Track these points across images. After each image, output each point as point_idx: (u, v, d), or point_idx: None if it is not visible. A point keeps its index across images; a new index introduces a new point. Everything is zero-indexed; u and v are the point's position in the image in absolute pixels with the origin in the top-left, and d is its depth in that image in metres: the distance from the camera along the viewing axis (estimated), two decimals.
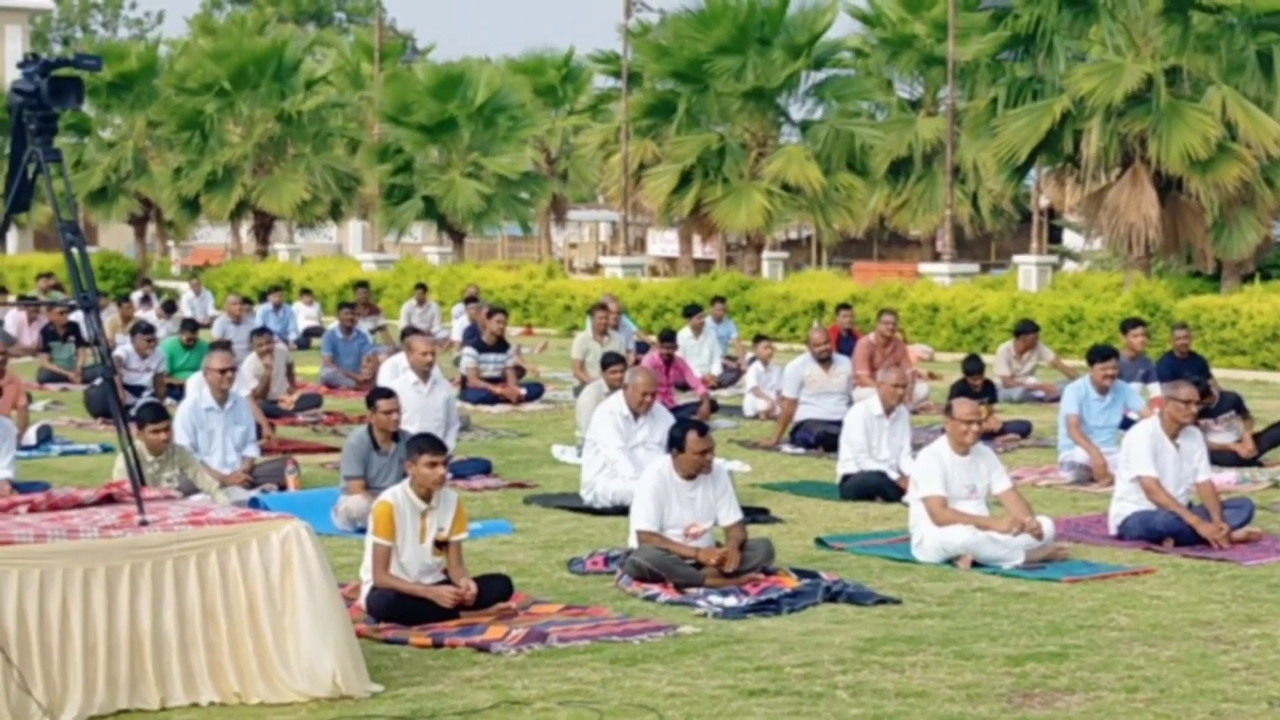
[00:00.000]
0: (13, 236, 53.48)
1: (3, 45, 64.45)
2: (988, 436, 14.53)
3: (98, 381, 20.66)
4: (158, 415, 12.54)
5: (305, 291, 35.93)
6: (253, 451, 14.67)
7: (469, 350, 21.96)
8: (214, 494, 12.35)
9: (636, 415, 13.89)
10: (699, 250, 49.94)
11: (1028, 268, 35.06)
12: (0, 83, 57.14)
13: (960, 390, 16.80)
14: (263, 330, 20.86)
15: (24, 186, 8.85)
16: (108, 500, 8.89)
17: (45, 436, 17.44)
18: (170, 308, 30.26)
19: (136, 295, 33.15)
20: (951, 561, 11.51)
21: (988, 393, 18.30)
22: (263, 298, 33.53)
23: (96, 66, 9.06)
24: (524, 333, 34.77)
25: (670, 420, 13.00)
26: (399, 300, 34.90)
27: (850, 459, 14.60)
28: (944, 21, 37.30)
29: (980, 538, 11.47)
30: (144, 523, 8.23)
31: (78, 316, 25.51)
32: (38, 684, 7.73)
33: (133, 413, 13.87)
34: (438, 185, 43.74)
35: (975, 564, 11.42)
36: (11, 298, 34.62)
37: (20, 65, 8.85)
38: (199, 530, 8.27)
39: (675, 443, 10.99)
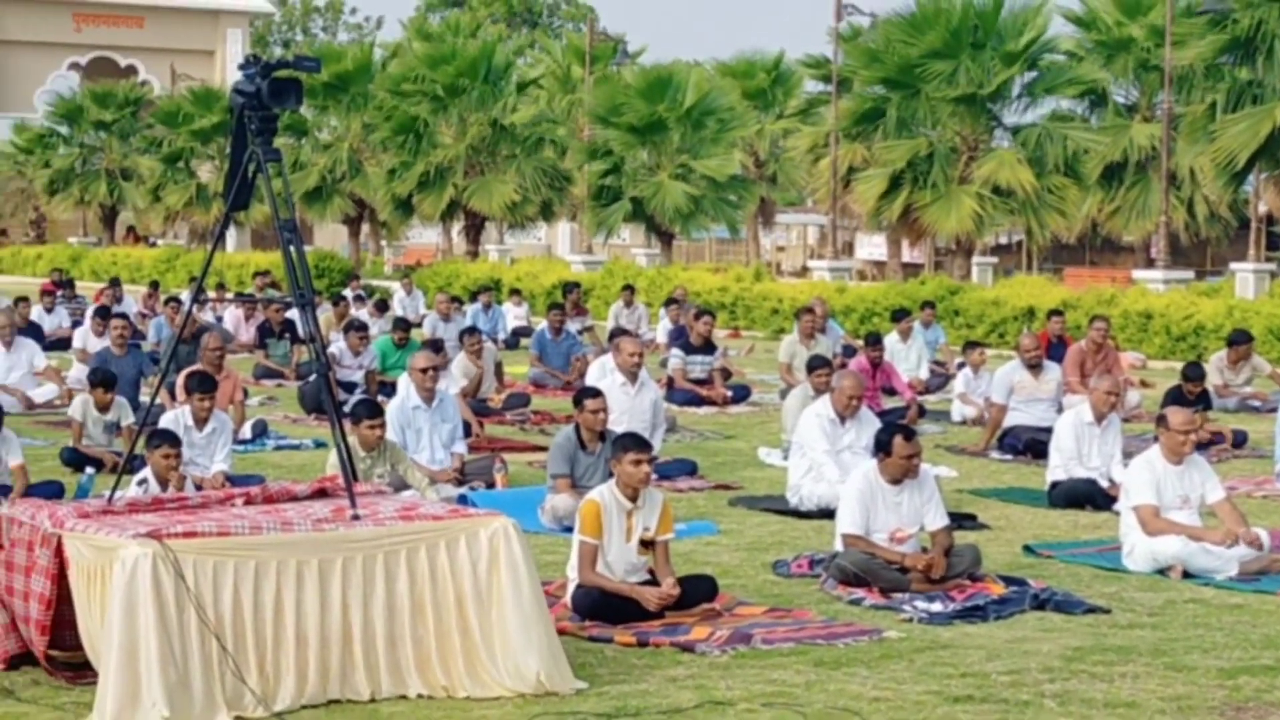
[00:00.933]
0: (231, 235, 54.63)
1: (225, 48, 65.90)
2: (1200, 446, 14.26)
3: (312, 378, 21.05)
4: (373, 411, 12.72)
5: (515, 292, 36.27)
6: (461, 449, 14.85)
7: (676, 351, 22.04)
8: (423, 491, 12.50)
9: (843, 419, 13.83)
10: (907, 254, 49.60)
11: (1245, 275, 34.33)
12: (222, 84, 58.53)
13: (1175, 398, 16.51)
14: (473, 330, 21.09)
15: (244, 186, 9.04)
16: (321, 494, 9.05)
17: (260, 431, 17.80)
18: (383, 306, 30.71)
19: (349, 294, 33.68)
20: (1163, 572, 11.32)
21: (1202, 401, 17.97)
22: (473, 297, 33.91)
23: (315, 68, 9.23)
24: (730, 335, 34.77)
25: (876, 424, 12.92)
26: (607, 301, 35.09)
27: (1060, 466, 14.41)
28: (1161, 26, 36.67)
29: (1193, 548, 11.26)
30: (356, 517, 8.37)
31: (293, 314, 26.02)
32: (252, 673, 7.90)
33: (346, 409, 14.12)
34: (646, 187, 43.92)
35: (1187, 575, 11.22)
36: (230, 295, 35.37)
37: (241, 67, 9.04)
38: (409, 525, 8.39)
39: (882, 447, 10.93)
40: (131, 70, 64.25)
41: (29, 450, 14.60)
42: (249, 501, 8.84)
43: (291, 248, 8.88)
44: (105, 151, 58.00)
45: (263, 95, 8.83)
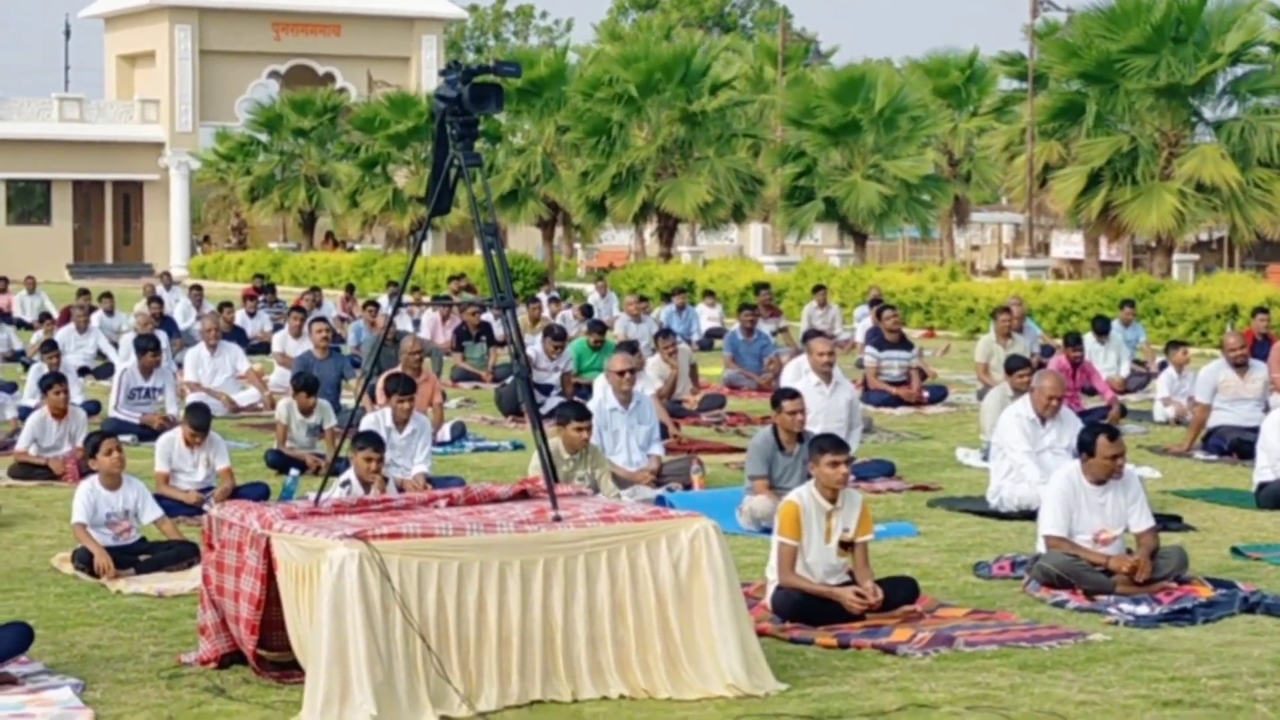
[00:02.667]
0: (427, 239, 55.29)
1: (419, 54, 66.61)
2: None
3: (509, 380, 21.22)
4: (581, 414, 12.78)
5: (708, 293, 36.29)
6: (659, 450, 14.89)
7: (870, 349, 21.94)
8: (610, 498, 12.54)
9: (1043, 419, 13.66)
10: (1105, 252, 48.88)
11: None
12: (417, 89, 59.19)
13: None
14: (667, 332, 21.12)
15: (445, 190, 9.13)
16: (522, 496, 9.11)
17: (459, 433, 17.97)
18: (588, 311, 30.86)
19: (543, 296, 33.89)
20: None
21: None
22: (665, 299, 33.98)
23: (515, 73, 9.30)
24: (926, 335, 34.50)
25: (1078, 424, 12.75)
26: (800, 302, 34.97)
27: (1268, 466, 14.12)
28: None
29: None
30: (558, 519, 8.41)
31: (488, 317, 26.26)
32: (455, 672, 7.98)
33: (543, 410, 14.21)
34: (839, 187, 43.73)
35: None
36: (426, 298, 35.75)
37: (443, 73, 9.13)
38: (610, 527, 8.42)
39: (1085, 447, 10.77)
40: (329, 78, 65.16)
41: (234, 453, 14.87)
42: (452, 503, 8.92)
43: (493, 251, 8.96)
44: (304, 158, 58.93)
45: (464, 100, 8.92)
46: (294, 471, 14.42)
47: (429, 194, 9.26)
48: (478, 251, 58.14)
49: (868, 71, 45.56)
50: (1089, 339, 22.42)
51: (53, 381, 15.80)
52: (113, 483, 11.53)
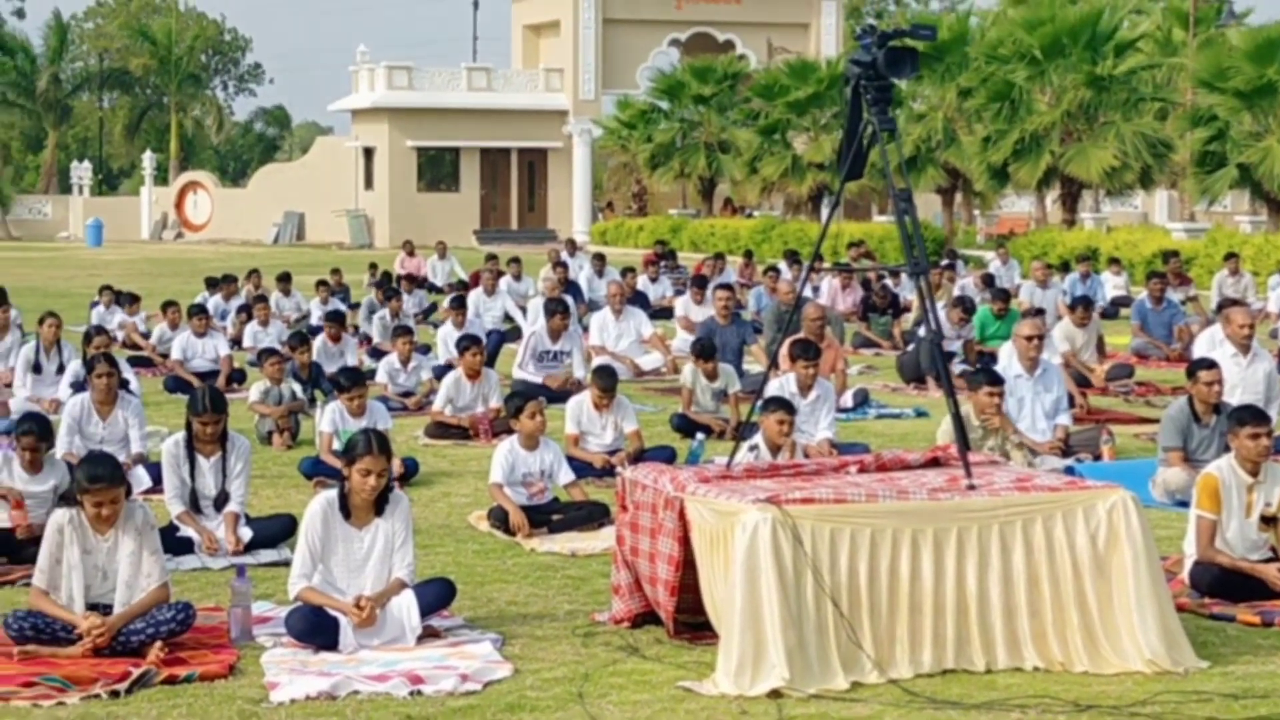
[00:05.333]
0: (825, 205, 55.23)
1: (819, 21, 66.50)
2: None
3: (910, 347, 21.08)
4: (994, 379, 12.63)
5: (1113, 261, 35.49)
6: (1065, 420, 14.63)
7: None
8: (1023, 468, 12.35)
9: None
10: None
11: None
12: (816, 56, 59.12)
13: None
14: (1086, 301, 20.50)
15: (858, 156, 9.08)
16: (934, 463, 9.04)
17: (862, 400, 17.92)
18: (989, 280, 30.46)
19: (944, 264, 33.56)
20: None
21: None
22: (1064, 268, 33.32)
23: (931, 36, 9.23)
24: None
25: None
26: (1209, 270, 33.92)
27: None
28: None
29: None
30: (971, 487, 8.32)
31: (890, 285, 26.14)
32: (867, 640, 7.96)
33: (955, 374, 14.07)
34: (1253, 152, 42.23)
35: None
36: (826, 265, 35.69)
37: (858, 37, 9.08)
38: (1025, 496, 8.29)
39: None
40: (729, 45, 65.45)
41: (639, 416, 15.06)
42: (863, 469, 8.90)
43: (906, 217, 8.89)
44: (704, 125, 59.36)
45: (879, 65, 8.85)
46: (700, 436, 14.56)
47: (840, 159, 9.22)
48: (876, 218, 57.99)
49: None
50: None
51: (469, 344, 16.25)
52: (531, 444, 11.79)
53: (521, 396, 12.08)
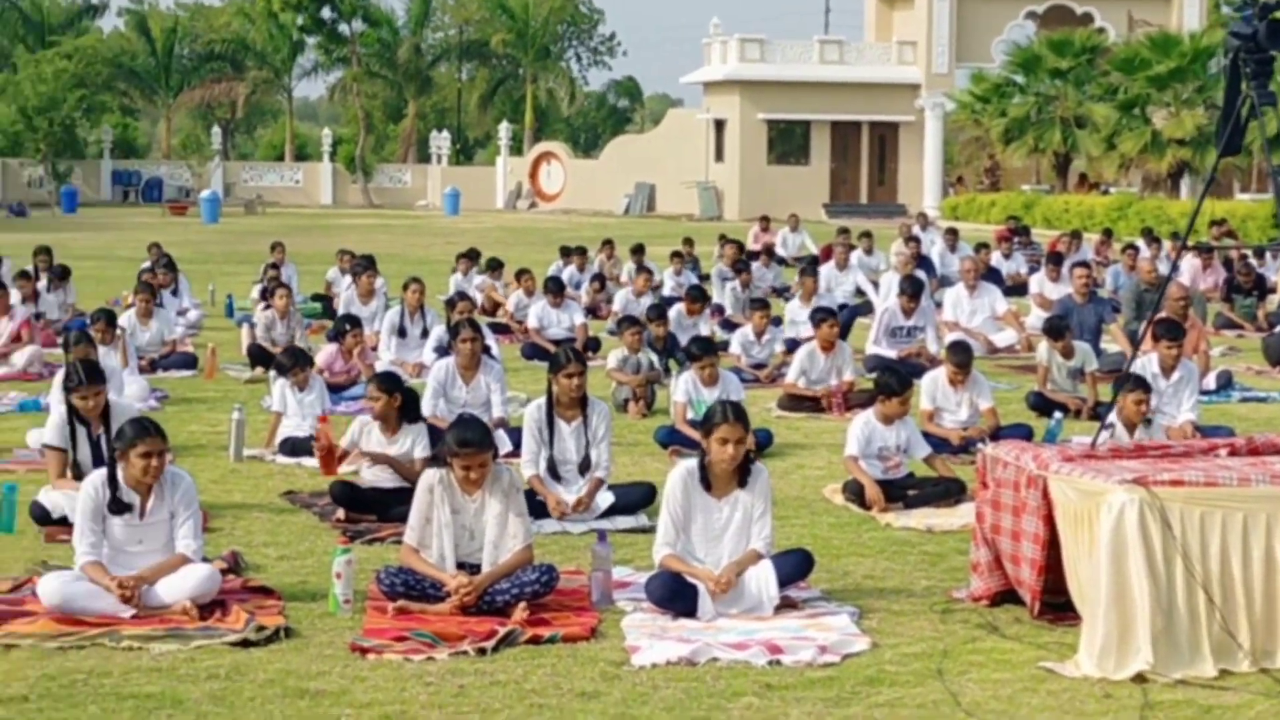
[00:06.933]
0: (1185, 183, 53.89)
1: None
2: None
3: (1277, 329, 20.47)
4: None
5: None
6: None
7: None
8: None
9: None
10: None
11: None
12: (1178, 29, 57.61)
13: None
14: None
15: (1236, 130, 8.84)
16: None
17: (1225, 382, 17.48)
18: None
19: None
20: None
21: None
22: None
23: None
24: None
25: None
26: None
27: None
28: None
29: None
30: None
31: (1255, 264, 25.39)
32: (1240, 627, 7.75)
33: None
34: None
35: None
36: (1191, 242, 34.75)
37: (1238, 9, 8.85)
38: None
39: None
40: (1088, 18, 64.18)
41: (994, 393, 14.88)
42: (1233, 452, 8.67)
43: None
44: (1060, 99, 58.30)
45: (1259, 38, 8.61)
46: (1057, 414, 14.35)
47: (1218, 134, 8.99)
48: (1239, 195, 56.26)
49: None
50: None
51: (824, 316, 16.25)
52: (888, 420, 11.74)
53: (892, 373, 11.99)
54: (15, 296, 20.20)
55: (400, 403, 11.21)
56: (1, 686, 7.38)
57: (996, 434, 13.29)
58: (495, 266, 26.41)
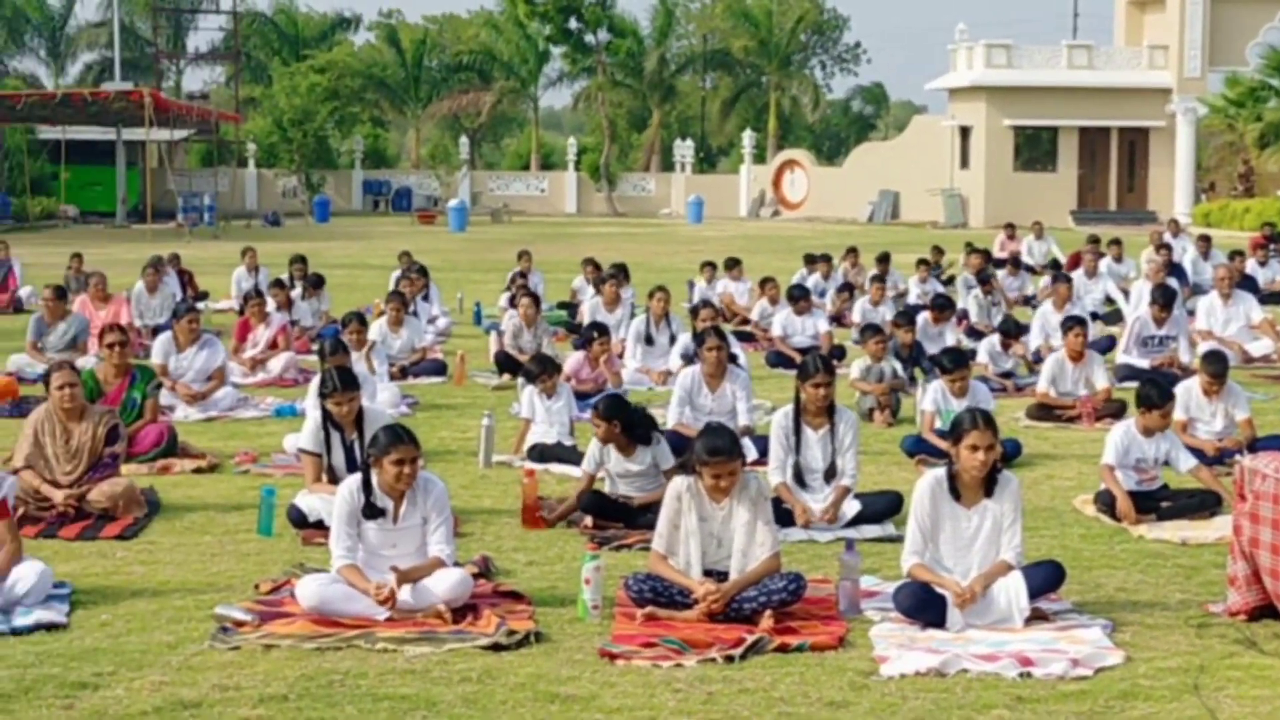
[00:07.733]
0: None
1: None
2: None
3: None
4: None
5: None
6: None
7: None
8: None
9: None
10: None
11: None
12: None
13: None
14: None
15: None
16: None
17: None
18: None
19: None
20: None
21: None
22: None
23: None
24: None
25: None
26: None
27: None
28: None
29: None
30: None
31: None
32: None
33: None
34: None
35: None
36: None
37: None
38: None
39: None
40: None
41: (1252, 404, 14.53)
42: None
43: None
44: None
45: None
46: None
47: None
48: None
49: None
50: None
51: (1072, 324, 16.04)
52: (1150, 434, 11.53)
53: (1153, 385, 11.77)
54: (271, 304, 20.72)
55: (621, 428, 11.23)
56: (262, 686, 7.56)
57: (1254, 445, 12.98)
58: (732, 265, 26.48)
